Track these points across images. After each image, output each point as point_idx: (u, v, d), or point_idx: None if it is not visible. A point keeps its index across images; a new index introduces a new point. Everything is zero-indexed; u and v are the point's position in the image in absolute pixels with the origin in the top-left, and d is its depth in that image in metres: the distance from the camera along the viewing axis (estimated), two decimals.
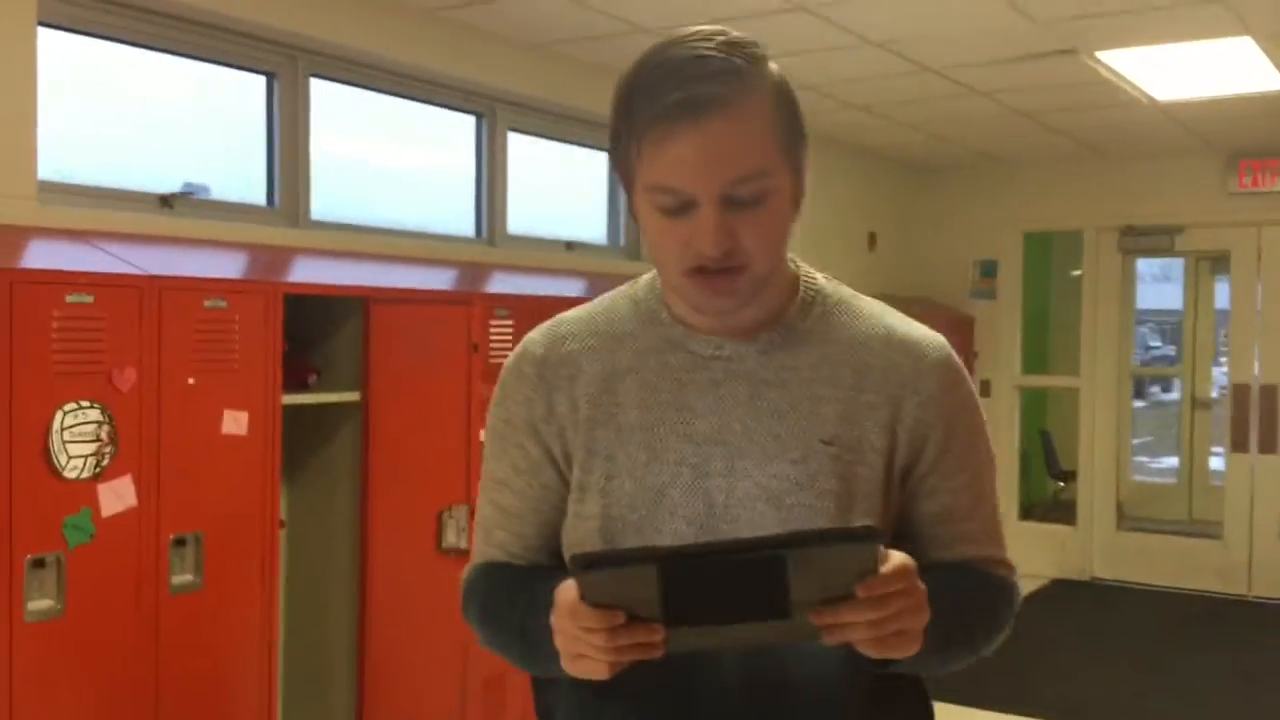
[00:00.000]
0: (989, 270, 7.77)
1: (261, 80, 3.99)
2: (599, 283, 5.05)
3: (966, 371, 1.40)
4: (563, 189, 5.47)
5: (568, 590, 1.14)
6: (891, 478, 1.32)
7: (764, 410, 1.30)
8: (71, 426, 2.79)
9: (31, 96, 3.19)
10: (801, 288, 1.38)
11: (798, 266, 1.40)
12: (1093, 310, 7.61)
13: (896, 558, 1.12)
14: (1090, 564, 7.61)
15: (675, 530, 1.28)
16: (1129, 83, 5.26)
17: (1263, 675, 5.61)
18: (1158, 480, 10.20)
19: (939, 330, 1.43)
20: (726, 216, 1.21)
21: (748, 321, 1.33)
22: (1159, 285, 12.14)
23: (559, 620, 1.16)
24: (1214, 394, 8.72)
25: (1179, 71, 5.09)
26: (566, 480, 1.36)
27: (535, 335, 1.42)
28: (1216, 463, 8.64)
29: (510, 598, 1.34)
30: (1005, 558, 1.41)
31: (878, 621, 1.10)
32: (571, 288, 4.83)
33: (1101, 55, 4.81)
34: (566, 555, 1.34)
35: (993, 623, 1.38)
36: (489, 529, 1.42)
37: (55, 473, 2.76)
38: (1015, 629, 1.44)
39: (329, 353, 3.65)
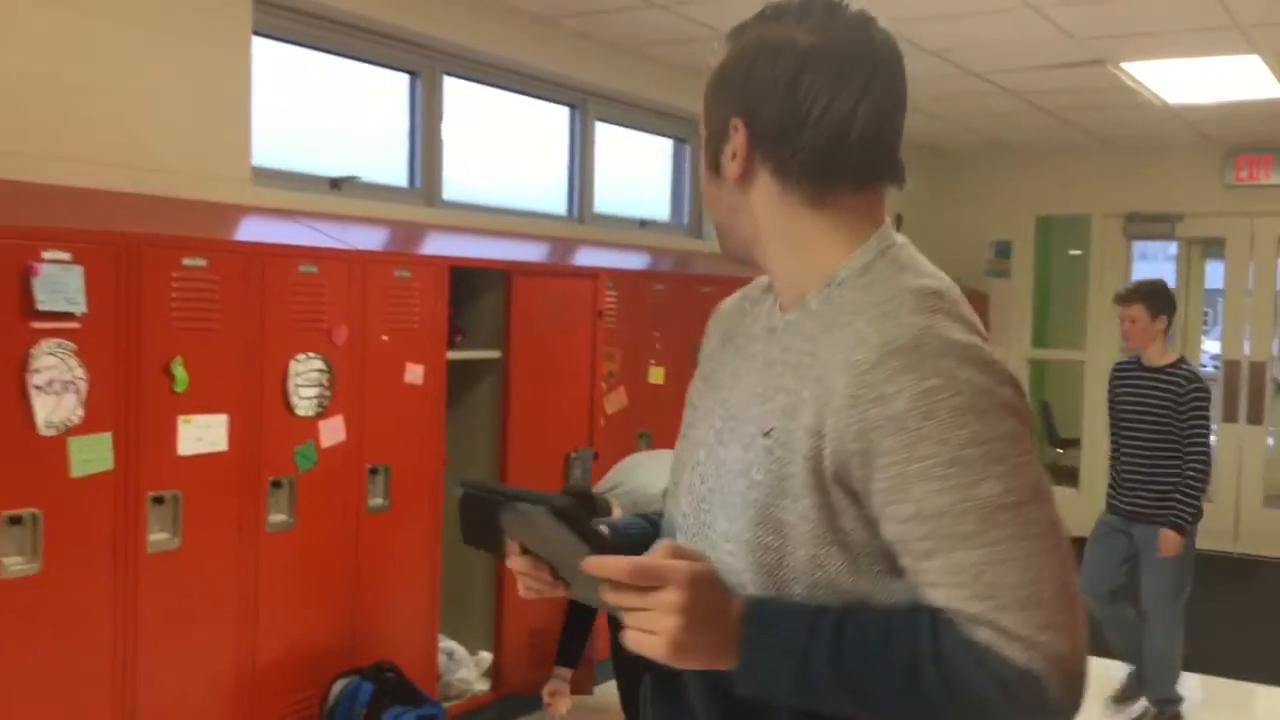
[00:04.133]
0: (1004, 251, 8.42)
1: (405, 78, 4.57)
2: (665, 257, 5.66)
3: (929, 372, 1.08)
4: (633, 172, 6.05)
5: None
6: (825, 487, 1.12)
7: (752, 391, 1.25)
8: (301, 373, 3.40)
9: (246, 95, 3.76)
10: (843, 267, 1.24)
11: (850, 244, 1.26)
12: (1098, 289, 8.26)
13: (657, 553, 1.10)
14: (1093, 522, 8.26)
15: (689, 484, 1.33)
16: (1145, 88, 5.89)
17: (1254, 617, 6.33)
18: None
19: None
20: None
21: (786, 298, 1.29)
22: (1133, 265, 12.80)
23: None
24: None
25: (1191, 80, 5.71)
26: None
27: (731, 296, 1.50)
28: None
29: None
30: (997, 620, 1.06)
31: (624, 608, 1.09)
32: (650, 262, 5.43)
33: (1126, 65, 5.43)
34: None
35: (910, 691, 1.08)
36: None
37: (290, 410, 3.37)
38: None
39: (471, 316, 4.24)
